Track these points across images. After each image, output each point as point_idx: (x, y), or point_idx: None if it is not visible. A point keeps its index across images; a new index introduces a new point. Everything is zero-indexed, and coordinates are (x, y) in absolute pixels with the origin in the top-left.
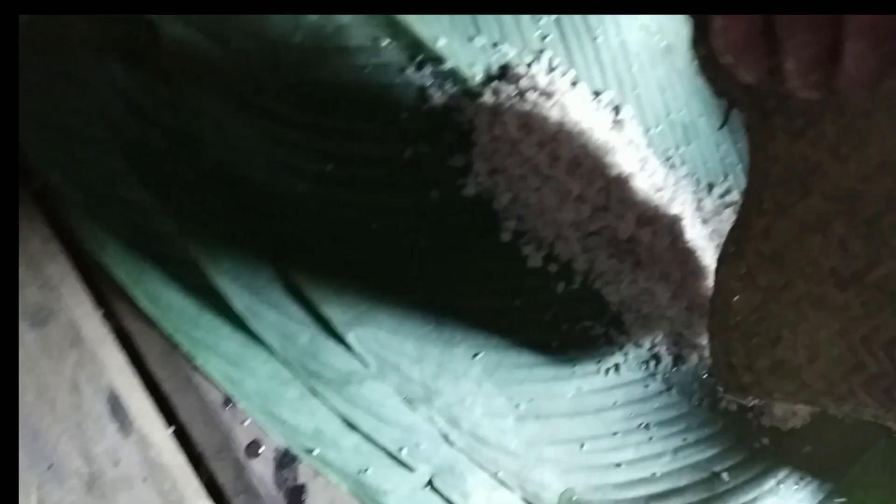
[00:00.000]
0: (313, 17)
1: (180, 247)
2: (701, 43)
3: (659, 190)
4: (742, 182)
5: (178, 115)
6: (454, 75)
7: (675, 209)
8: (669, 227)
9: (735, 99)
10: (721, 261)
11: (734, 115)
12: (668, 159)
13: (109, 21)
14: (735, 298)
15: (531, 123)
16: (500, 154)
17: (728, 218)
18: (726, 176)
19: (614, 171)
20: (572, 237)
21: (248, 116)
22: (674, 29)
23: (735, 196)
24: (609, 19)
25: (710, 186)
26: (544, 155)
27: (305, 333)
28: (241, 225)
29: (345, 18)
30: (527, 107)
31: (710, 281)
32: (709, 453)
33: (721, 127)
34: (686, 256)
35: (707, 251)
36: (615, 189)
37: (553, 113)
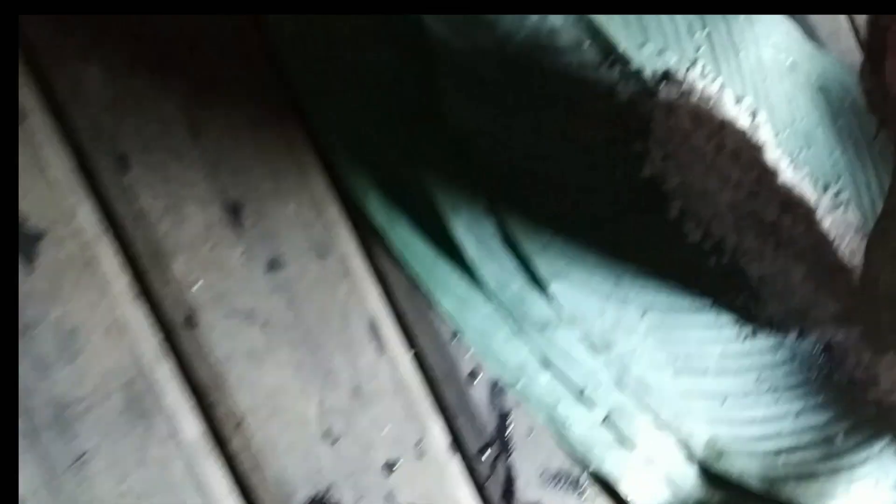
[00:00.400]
0: (534, 19)
1: (427, 201)
2: (873, 71)
3: (795, 185)
4: (849, 184)
5: (430, 93)
6: (637, 75)
7: (808, 202)
8: (805, 216)
9: (886, 120)
10: (870, 244)
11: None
12: (792, 161)
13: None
14: (882, 274)
15: (700, 118)
16: (673, 143)
17: (842, 214)
18: (838, 179)
19: (765, 164)
20: (727, 217)
21: (479, 101)
22: (798, 48)
23: (845, 196)
24: (750, 37)
25: (826, 187)
26: (711, 145)
27: (516, 282)
28: (474, 186)
29: (557, 21)
30: (695, 104)
31: (836, 264)
32: (824, 418)
33: (874, 138)
34: (819, 240)
35: (837, 236)
36: (765, 179)
37: (715, 111)
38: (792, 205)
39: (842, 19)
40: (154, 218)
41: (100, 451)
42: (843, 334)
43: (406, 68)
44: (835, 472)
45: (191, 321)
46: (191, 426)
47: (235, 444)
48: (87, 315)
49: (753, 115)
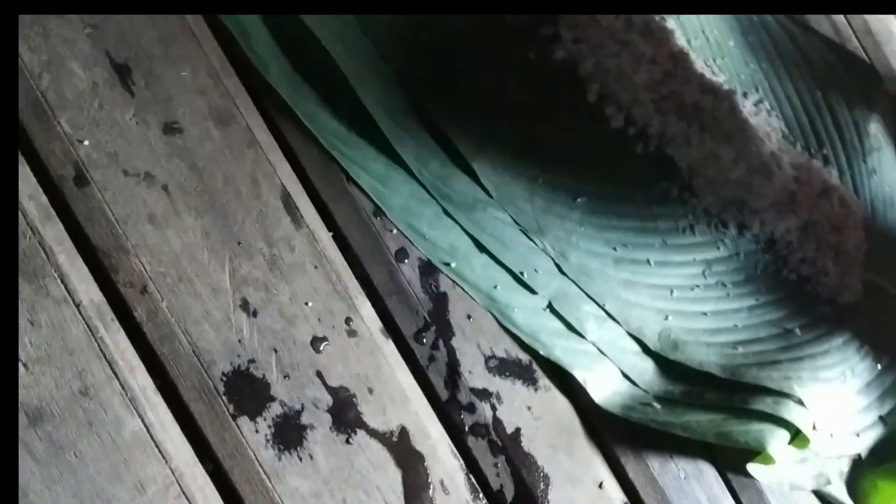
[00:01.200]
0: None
1: (334, 73)
2: None
3: (713, 74)
4: (769, 93)
5: None
6: None
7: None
8: (727, 96)
9: None
10: None
11: None
12: (707, 66)
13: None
14: None
15: None
16: (581, 24)
17: (766, 118)
18: (756, 89)
19: (678, 42)
20: (647, 100)
21: None
22: None
23: (766, 105)
24: None
25: (745, 94)
26: (620, 22)
27: (437, 159)
28: (381, 59)
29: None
30: None
31: (767, 151)
32: (780, 313)
33: None
34: (744, 124)
35: (764, 132)
36: (680, 58)
37: None
38: (711, 86)
39: None
40: (33, 72)
41: None
42: (783, 226)
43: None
44: (797, 359)
45: (81, 180)
46: (88, 290)
47: (141, 310)
48: None
49: (661, 18)
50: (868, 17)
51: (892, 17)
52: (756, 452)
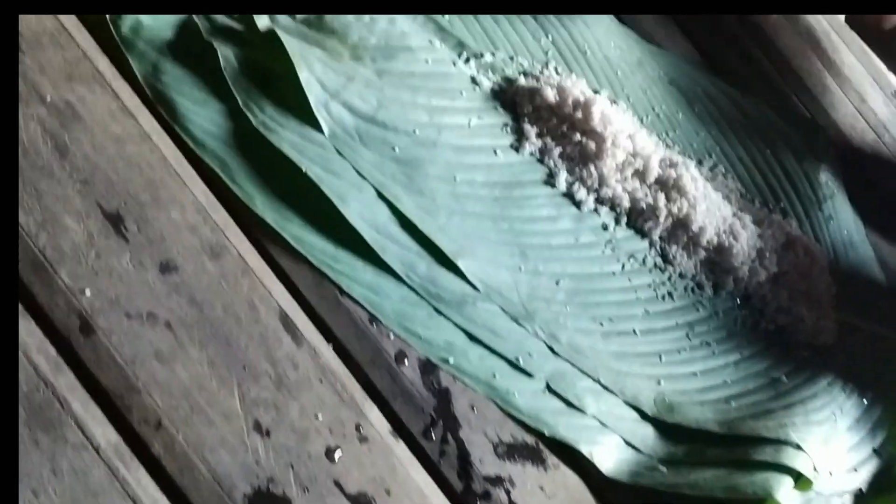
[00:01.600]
0: (382, 25)
1: (316, 195)
2: None
3: (669, 148)
4: (722, 158)
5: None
6: (493, 66)
7: (681, 161)
8: (687, 168)
9: None
10: None
11: None
12: (661, 140)
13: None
14: None
15: (563, 91)
16: (543, 119)
17: (723, 181)
18: (710, 155)
19: (633, 127)
20: (612, 181)
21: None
22: (640, 49)
23: (721, 169)
24: (592, 40)
25: (700, 161)
26: (579, 113)
27: (423, 262)
28: (360, 177)
29: (405, 26)
30: (556, 83)
31: (729, 209)
32: (765, 363)
33: None
34: (706, 191)
35: (724, 195)
36: (638, 139)
37: (577, 86)
38: (671, 162)
39: (674, 27)
40: (30, 232)
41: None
42: (755, 280)
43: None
44: (789, 406)
45: (86, 328)
46: (105, 432)
47: (158, 446)
48: None
49: (613, 102)
50: (801, 73)
51: (824, 71)
52: (763, 501)
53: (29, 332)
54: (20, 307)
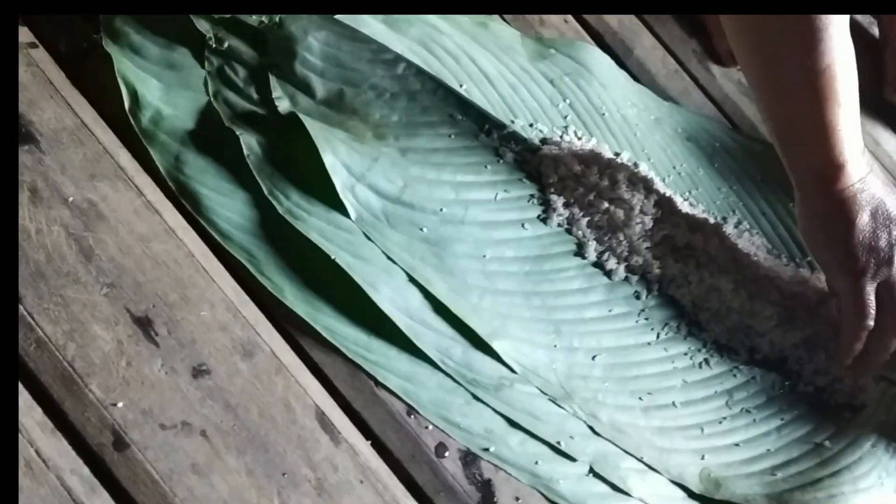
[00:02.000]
0: (403, 102)
1: (346, 283)
2: None
3: (693, 206)
4: (746, 214)
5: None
6: (516, 136)
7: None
8: (715, 231)
9: None
10: None
11: None
12: (685, 199)
13: None
14: None
15: (586, 160)
16: (569, 189)
17: (749, 237)
18: (733, 211)
19: (660, 190)
20: (642, 248)
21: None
22: (657, 106)
23: (745, 225)
24: (609, 101)
25: (725, 219)
26: (605, 180)
27: (458, 347)
28: (392, 259)
29: (426, 101)
30: (578, 150)
31: (761, 274)
32: (806, 428)
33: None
34: (735, 253)
35: (751, 253)
36: (665, 204)
37: (600, 150)
38: (699, 224)
39: (688, 80)
40: (58, 344)
41: None
42: (790, 341)
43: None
44: (835, 474)
45: (120, 443)
46: None
47: None
48: None
49: (635, 164)
50: None
51: None
52: None
53: (61, 452)
54: (50, 424)
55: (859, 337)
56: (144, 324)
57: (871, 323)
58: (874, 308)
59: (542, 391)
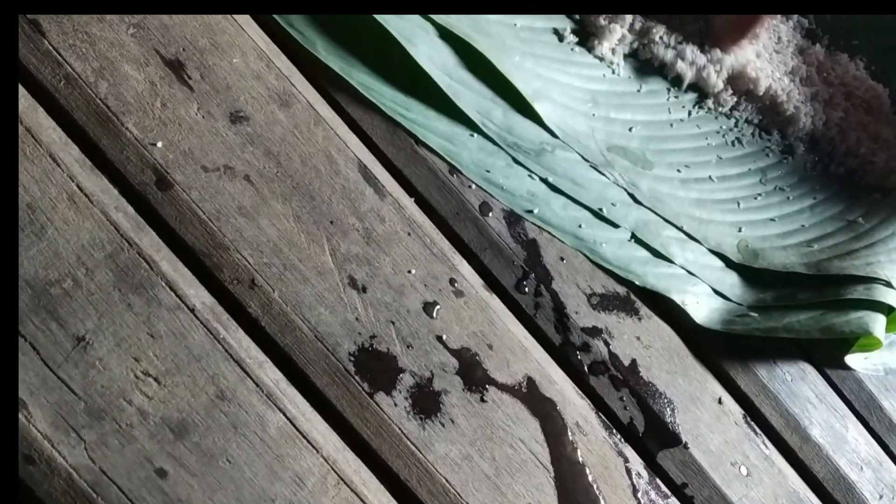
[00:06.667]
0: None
1: (380, 37)
2: None
3: None
4: None
5: None
6: None
7: None
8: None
9: None
10: None
11: None
12: None
13: None
14: None
15: None
16: None
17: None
18: None
19: None
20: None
21: None
22: None
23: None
24: None
25: None
26: None
27: (498, 108)
28: (425, 16)
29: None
30: None
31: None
32: (839, 207)
33: None
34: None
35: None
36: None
37: None
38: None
39: None
40: (88, 80)
41: (101, 331)
42: (821, 122)
43: None
44: (871, 246)
45: (163, 182)
46: (198, 293)
47: (255, 305)
48: (40, 190)
49: None
50: None
51: None
52: (851, 344)
53: (103, 190)
54: (89, 162)
55: None
56: (176, 66)
57: None
58: None
59: (583, 157)
